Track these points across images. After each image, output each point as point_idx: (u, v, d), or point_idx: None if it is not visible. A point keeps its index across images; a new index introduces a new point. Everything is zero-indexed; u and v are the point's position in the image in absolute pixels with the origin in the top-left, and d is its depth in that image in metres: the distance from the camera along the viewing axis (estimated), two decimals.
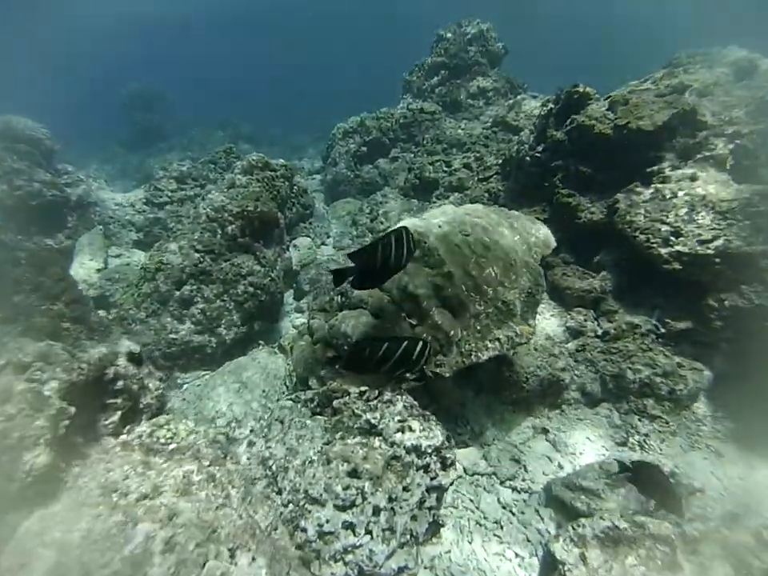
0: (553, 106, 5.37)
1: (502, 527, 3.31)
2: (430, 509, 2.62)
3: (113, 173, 16.05)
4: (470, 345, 3.16)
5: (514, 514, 3.43)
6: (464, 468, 3.74)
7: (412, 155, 7.89)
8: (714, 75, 5.14)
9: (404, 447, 2.67)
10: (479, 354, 3.13)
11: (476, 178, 6.26)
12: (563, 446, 3.98)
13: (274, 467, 2.56)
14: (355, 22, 60.81)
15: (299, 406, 3.06)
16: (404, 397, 2.96)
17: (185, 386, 4.94)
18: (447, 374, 3.21)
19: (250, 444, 2.80)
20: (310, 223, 7.10)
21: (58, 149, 6.92)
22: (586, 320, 4.42)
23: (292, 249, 6.59)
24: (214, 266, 5.06)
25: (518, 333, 3.14)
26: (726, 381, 3.99)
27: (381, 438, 2.73)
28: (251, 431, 3.20)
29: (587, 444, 3.97)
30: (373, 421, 2.77)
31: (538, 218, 5.17)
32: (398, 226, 3.00)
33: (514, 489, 3.61)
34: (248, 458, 2.65)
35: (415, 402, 2.97)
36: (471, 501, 3.48)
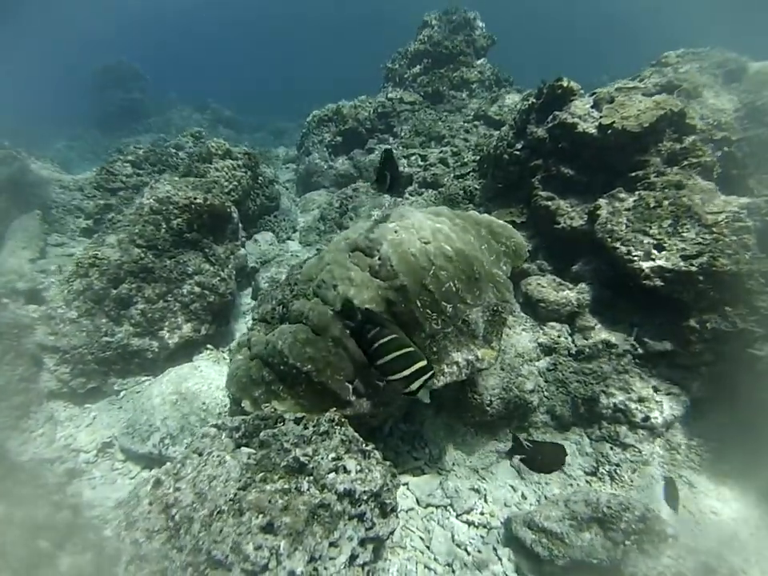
0: (534, 101, 4.98)
1: (454, 572, 2.96)
2: (363, 565, 2.24)
3: (82, 153, 15.25)
4: None
5: (469, 554, 3.09)
6: (417, 499, 3.39)
7: (388, 147, 7.43)
8: (704, 77, 4.83)
9: (335, 492, 2.28)
10: (434, 380, 2.75)
11: (452, 175, 5.85)
12: (528, 473, 3.66)
13: (177, 517, 2.15)
14: (346, 9, 59.38)
15: (223, 435, 2.64)
16: (342, 428, 2.56)
17: (122, 393, 4.50)
18: (395, 400, 2.83)
19: (157, 483, 2.37)
20: (275, 216, 6.61)
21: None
22: (559, 336, 4.08)
23: (253, 244, 6.11)
24: (157, 263, 4.57)
25: (478, 357, 2.77)
26: (703, 407, 3.71)
27: (311, 478, 2.33)
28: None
29: (554, 472, 3.65)
30: (303, 459, 2.37)
31: (514, 222, 4.82)
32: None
33: (470, 524, 3.27)
34: (149, 503, 2.23)
35: (355, 435, 2.58)
36: (422, 539, 3.12)
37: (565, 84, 4.70)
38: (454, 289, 2.81)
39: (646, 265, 3.68)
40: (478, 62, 9.04)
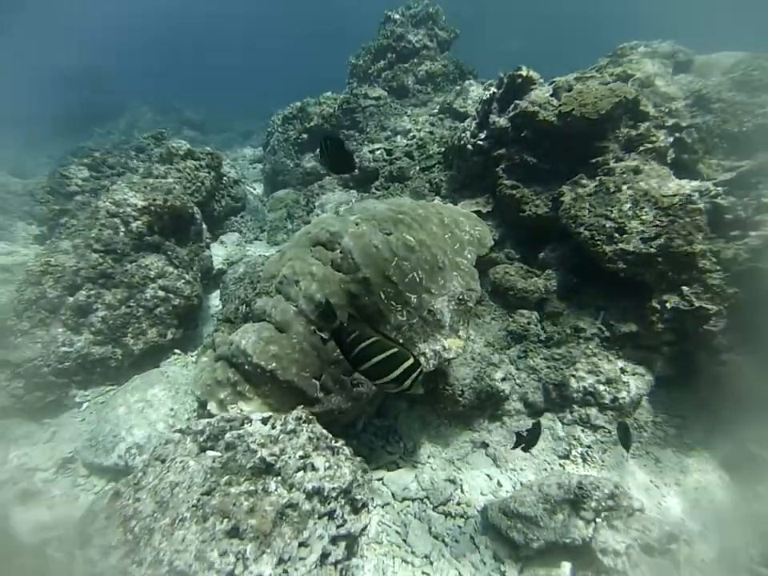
0: (495, 90, 5.02)
1: (431, 563, 2.95)
2: (335, 564, 2.19)
3: (38, 157, 14.58)
4: None
5: (446, 545, 3.08)
6: (393, 493, 3.36)
7: (354, 143, 7.36)
8: (656, 67, 4.98)
9: (304, 491, 2.22)
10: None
11: (417, 168, 5.84)
12: (503, 461, 3.68)
13: (136, 529, 2.05)
14: (310, 9, 58.50)
15: (187, 440, 2.54)
16: (310, 426, 2.51)
17: (84, 405, 4.30)
18: (365, 395, 2.79)
19: (116, 496, 2.27)
20: (242, 217, 6.47)
21: None
22: (529, 323, 4.12)
23: (219, 245, 5.96)
24: (117, 268, 4.39)
25: (446, 347, 2.76)
26: (666, 385, 3.82)
27: (278, 478, 2.27)
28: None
29: (528, 459, 3.69)
30: (269, 459, 2.30)
31: (480, 212, 4.84)
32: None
33: (447, 515, 3.26)
34: (106, 518, 2.13)
35: (324, 432, 2.53)
36: (398, 533, 3.10)
37: (524, 73, 4.74)
38: (417, 279, 2.79)
39: (609, 248, 3.75)
40: (442, 55, 9.07)
